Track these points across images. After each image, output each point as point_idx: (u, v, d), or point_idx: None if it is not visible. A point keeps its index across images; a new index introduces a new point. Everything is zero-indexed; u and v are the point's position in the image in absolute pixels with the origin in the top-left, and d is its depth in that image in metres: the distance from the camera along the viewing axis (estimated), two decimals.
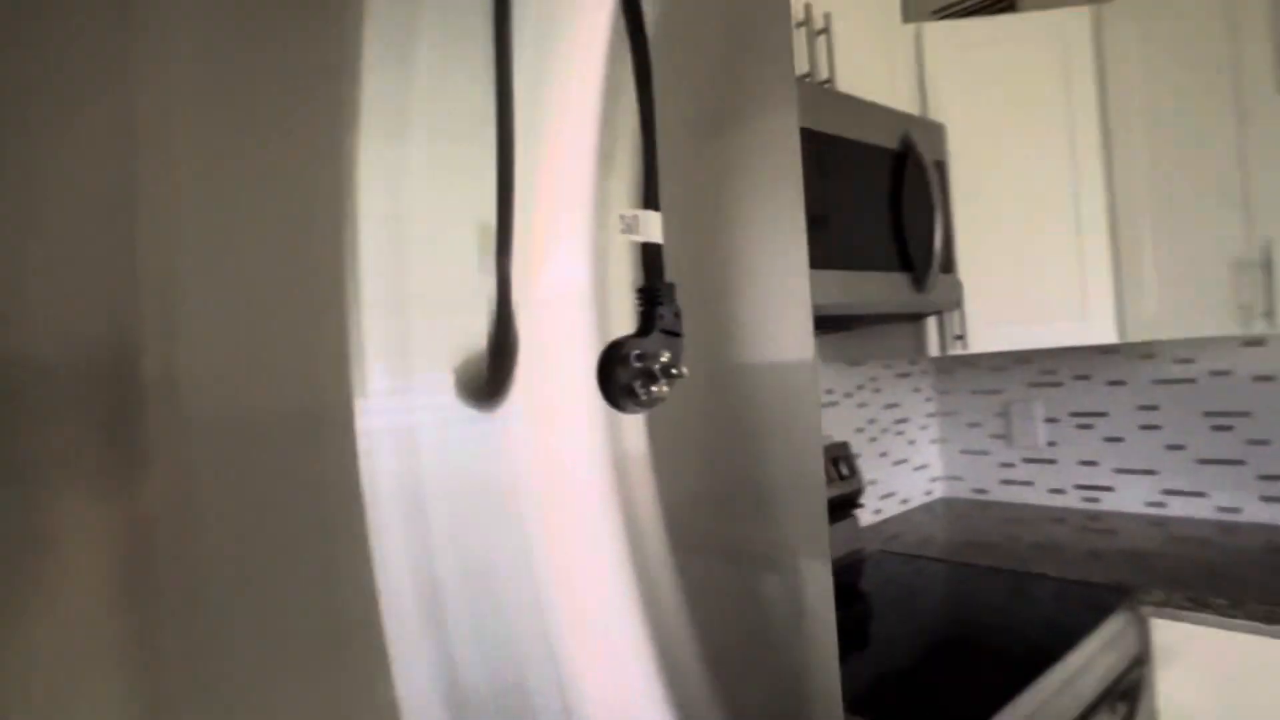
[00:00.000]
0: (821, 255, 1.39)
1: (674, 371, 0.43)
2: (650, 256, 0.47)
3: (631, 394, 0.44)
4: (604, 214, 0.48)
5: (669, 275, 0.50)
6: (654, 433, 0.51)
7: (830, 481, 1.79)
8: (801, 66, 1.52)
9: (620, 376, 0.44)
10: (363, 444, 0.38)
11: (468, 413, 0.42)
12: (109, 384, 0.33)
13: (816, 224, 1.39)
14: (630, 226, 0.46)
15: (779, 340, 0.65)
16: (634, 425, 0.50)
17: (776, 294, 0.64)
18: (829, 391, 2.01)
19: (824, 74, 1.55)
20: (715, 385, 0.56)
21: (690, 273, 0.54)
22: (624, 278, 0.50)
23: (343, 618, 0.38)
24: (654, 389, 0.44)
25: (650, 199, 0.46)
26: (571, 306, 0.47)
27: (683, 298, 0.54)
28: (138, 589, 0.33)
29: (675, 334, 0.46)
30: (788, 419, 0.64)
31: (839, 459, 1.85)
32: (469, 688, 0.42)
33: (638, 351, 0.44)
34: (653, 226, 0.46)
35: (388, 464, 0.39)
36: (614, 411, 0.48)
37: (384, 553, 0.40)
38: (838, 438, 2.03)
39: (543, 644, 0.45)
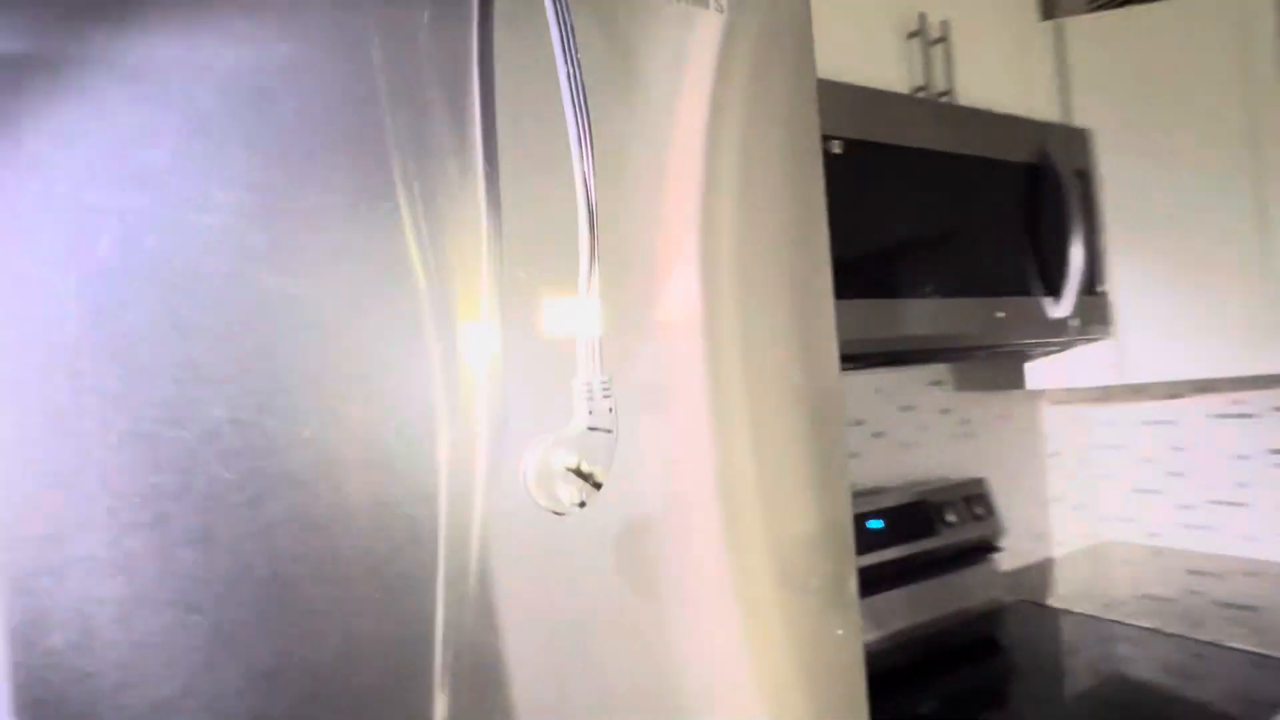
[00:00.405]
0: (949, 282, 1.28)
1: (590, 478, 0.41)
2: (594, 350, 0.45)
3: (555, 495, 0.42)
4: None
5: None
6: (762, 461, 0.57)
7: (961, 521, 1.65)
8: (915, 80, 1.41)
9: (544, 476, 0.42)
10: None
11: None
12: None
13: (939, 249, 1.29)
14: (564, 321, 0.44)
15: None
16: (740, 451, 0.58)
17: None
18: (964, 422, 1.86)
19: (941, 86, 1.43)
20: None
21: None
22: (731, 311, 0.60)
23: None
24: (570, 494, 0.41)
25: (589, 287, 0.44)
26: (688, 335, 0.56)
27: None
28: None
29: (607, 430, 0.43)
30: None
31: (972, 497, 1.70)
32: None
33: (560, 451, 0.42)
34: (595, 318, 0.44)
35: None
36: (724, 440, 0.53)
37: None
38: (974, 473, 1.87)
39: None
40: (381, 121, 0.46)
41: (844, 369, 1.61)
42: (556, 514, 0.44)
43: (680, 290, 0.58)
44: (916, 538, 1.57)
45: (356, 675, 0.44)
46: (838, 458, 0.67)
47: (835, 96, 1.22)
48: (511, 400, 0.48)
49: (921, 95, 1.39)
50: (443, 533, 0.47)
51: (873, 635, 1.49)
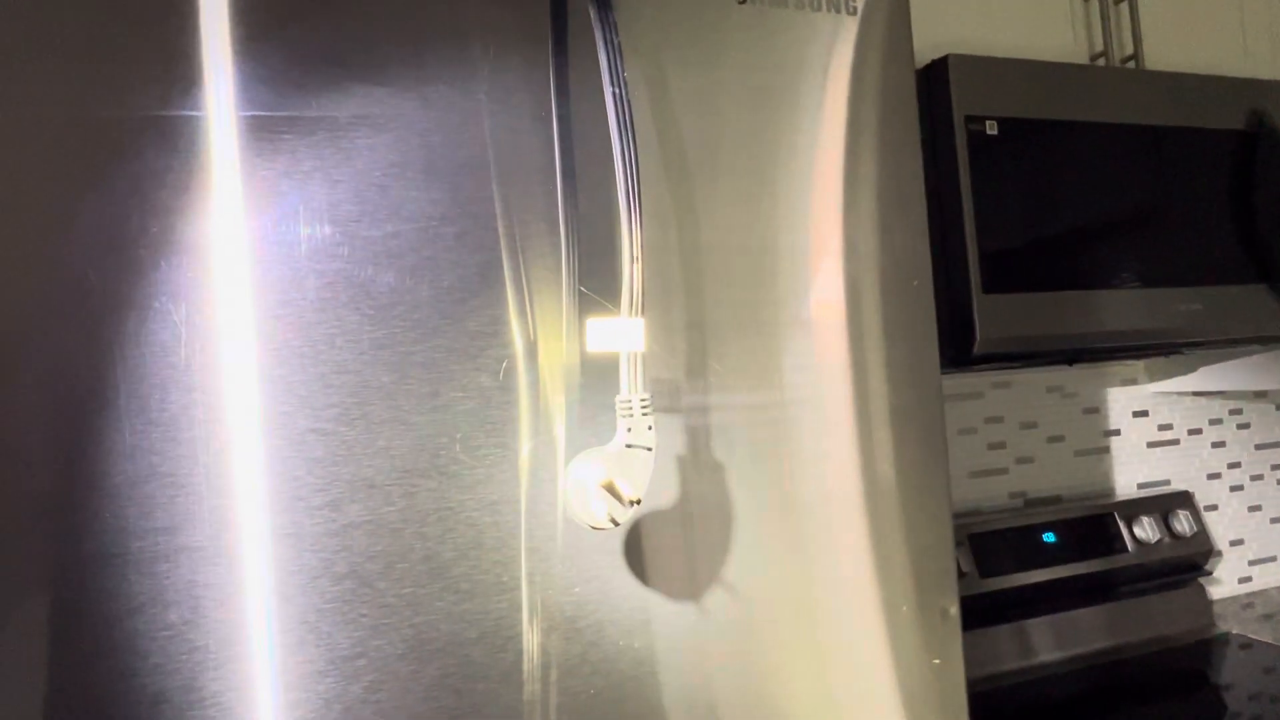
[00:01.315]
0: (1141, 270, 1.15)
1: (623, 497, 0.41)
2: (634, 365, 0.45)
3: (590, 511, 0.43)
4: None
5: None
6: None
7: (1157, 538, 1.46)
8: (1094, 46, 1.27)
9: (587, 496, 0.43)
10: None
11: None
12: None
13: (1129, 233, 1.16)
14: (606, 338, 0.44)
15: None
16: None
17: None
18: (1165, 428, 1.65)
19: (1127, 50, 1.27)
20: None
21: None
22: (874, 303, 0.62)
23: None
24: (608, 513, 0.42)
25: (636, 303, 0.44)
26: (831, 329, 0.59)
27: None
28: None
29: (649, 449, 0.43)
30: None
31: (1171, 512, 1.50)
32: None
33: (596, 467, 0.43)
34: (637, 334, 0.44)
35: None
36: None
37: None
38: (1179, 485, 1.65)
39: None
40: (485, 158, 0.50)
41: (1013, 368, 1.48)
42: (594, 529, 0.45)
43: (826, 286, 0.60)
44: (1100, 554, 1.42)
45: (423, 669, 0.48)
46: (942, 469, 0.63)
47: (997, 73, 1.13)
48: (583, 414, 0.50)
49: (1101, 63, 1.24)
50: (518, 540, 0.49)
51: (1055, 655, 1.37)
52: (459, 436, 0.49)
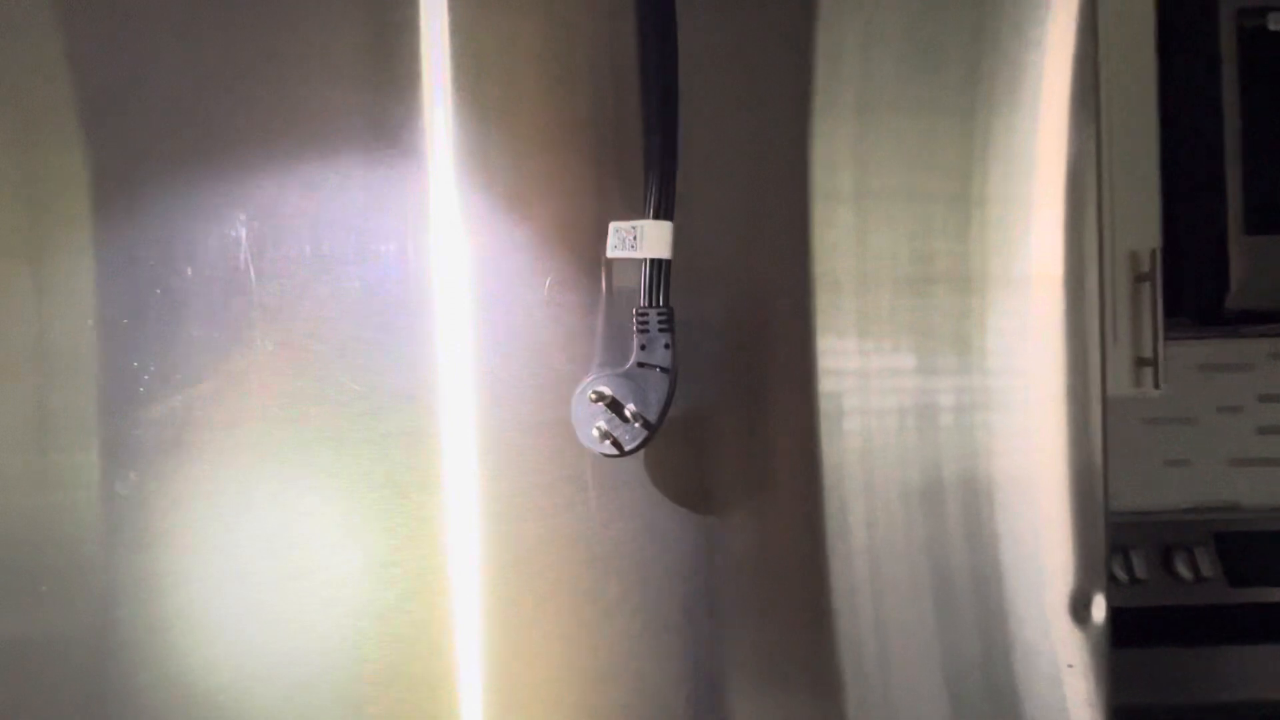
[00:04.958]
0: None
1: (638, 420, 0.36)
2: (656, 275, 0.39)
3: (605, 437, 0.38)
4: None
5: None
6: None
7: None
8: None
9: (589, 415, 0.38)
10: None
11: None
12: None
13: None
14: (626, 242, 0.39)
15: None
16: None
17: None
18: None
19: None
20: None
21: None
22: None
23: None
24: (616, 437, 0.37)
25: (662, 205, 0.38)
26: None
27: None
28: None
29: (665, 369, 0.38)
30: None
31: None
32: None
33: (602, 389, 0.38)
34: (660, 240, 0.38)
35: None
36: None
37: None
38: None
39: None
40: None
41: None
42: (607, 456, 0.40)
43: (1043, 238, 0.50)
44: None
45: (460, 574, 0.47)
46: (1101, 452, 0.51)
47: None
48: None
49: None
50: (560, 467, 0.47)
51: None
52: (501, 353, 0.47)
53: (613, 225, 0.40)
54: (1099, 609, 0.48)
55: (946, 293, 0.49)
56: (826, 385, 0.48)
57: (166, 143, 0.47)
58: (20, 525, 0.47)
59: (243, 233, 0.46)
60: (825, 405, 0.48)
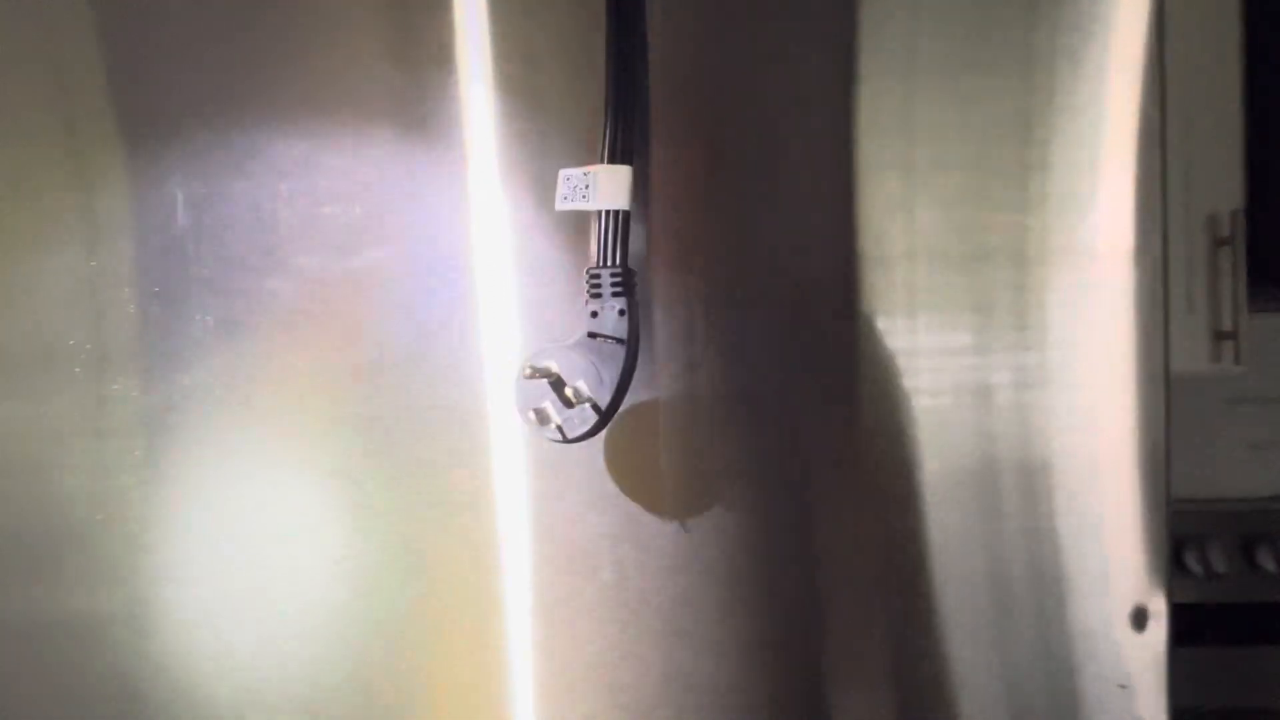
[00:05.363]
0: None
1: (580, 401, 0.30)
2: (610, 229, 0.33)
3: (546, 421, 0.33)
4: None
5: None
6: None
7: None
8: None
9: (529, 395, 0.32)
10: None
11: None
12: None
13: None
14: (577, 191, 0.33)
15: None
16: None
17: None
18: None
19: None
20: None
21: None
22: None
23: None
24: (555, 422, 0.31)
25: (617, 148, 0.32)
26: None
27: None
28: None
29: (619, 340, 0.32)
30: None
31: None
32: None
33: (541, 366, 0.32)
34: (615, 187, 0.32)
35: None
36: None
37: None
38: None
39: None
40: None
41: None
42: (554, 442, 0.34)
43: (1111, 209, 0.45)
44: None
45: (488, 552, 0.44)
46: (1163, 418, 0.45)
47: None
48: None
49: None
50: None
51: None
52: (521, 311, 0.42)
53: (562, 172, 0.34)
54: (1160, 612, 0.42)
55: (1002, 265, 0.45)
56: (873, 366, 0.44)
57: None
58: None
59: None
60: (871, 389, 0.44)
